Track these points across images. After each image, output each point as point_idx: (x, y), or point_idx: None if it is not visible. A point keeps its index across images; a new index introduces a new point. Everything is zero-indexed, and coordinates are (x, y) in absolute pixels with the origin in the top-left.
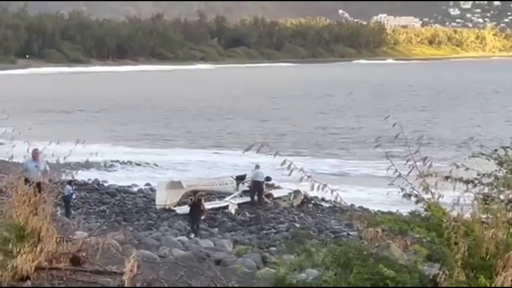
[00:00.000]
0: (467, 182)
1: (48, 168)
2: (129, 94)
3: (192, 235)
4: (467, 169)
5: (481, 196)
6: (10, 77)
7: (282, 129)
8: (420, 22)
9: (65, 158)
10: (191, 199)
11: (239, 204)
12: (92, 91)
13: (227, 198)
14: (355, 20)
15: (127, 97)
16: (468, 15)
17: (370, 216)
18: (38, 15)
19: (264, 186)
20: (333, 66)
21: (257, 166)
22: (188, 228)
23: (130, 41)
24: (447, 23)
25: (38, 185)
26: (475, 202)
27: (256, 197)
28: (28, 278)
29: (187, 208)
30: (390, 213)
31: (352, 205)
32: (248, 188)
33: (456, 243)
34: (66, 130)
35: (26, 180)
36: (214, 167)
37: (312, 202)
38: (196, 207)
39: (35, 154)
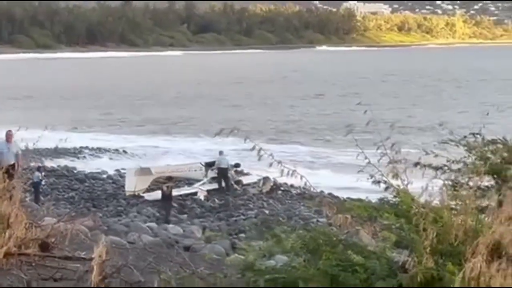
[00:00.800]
0: (436, 168)
1: (20, 151)
2: (99, 80)
3: (165, 223)
4: (436, 155)
5: (450, 183)
6: None
7: (252, 115)
8: (390, 9)
9: (34, 144)
10: (167, 186)
11: (208, 191)
12: (61, 77)
13: (196, 185)
14: (325, 7)
15: (96, 83)
16: (438, 2)
17: (340, 202)
18: (7, 1)
19: (233, 172)
20: (301, 52)
21: (221, 153)
22: (158, 214)
23: (100, 27)
24: (416, 10)
25: (13, 167)
26: (444, 189)
27: (223, 184)
28: None
29: (157, 194)
30: (359, 199)
31: (321, 191)
32: (217, 175)
33: (425, 230)
34: (34, 116)
35: None
36: (184, 153)
37: (282, 188)
38: (168, 194)
39: (9, 136)
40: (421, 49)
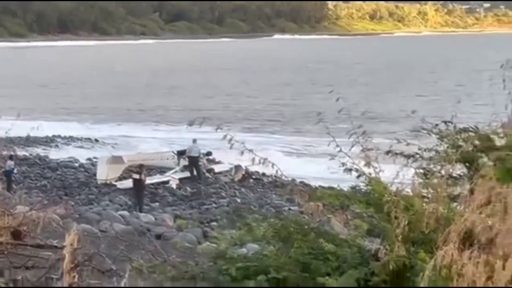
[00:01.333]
0: (408, 156)
1: None
2: (71, 69)
3: (137, 211)
4: (408, 144)
5: (421, 171)
6: None
7: (225, 103)
8: None
9: (6, 132)
10: (144, 174)
11: (180, 179)
12: (33, 66)
13: (168, 173)
14: None
15: (68, 72)
16: None
17: (311, 191)
18: None
19: (205, 161)
20: (266, 41)
21: (194, 141)
22: (129, 203)
23: (71, 16)
24: None
25: None
26: (416, 177)
27: (195, 172)
28: None
29: (129, 182)
30: (331, 188)
31: (293, 180)
32: (188, 163)
33: (396, 218)
34: (5, 105)
35: None
36: (157, 142)
37: (253, 177)
38: (141, 183)
39: None
40: (390, 37)
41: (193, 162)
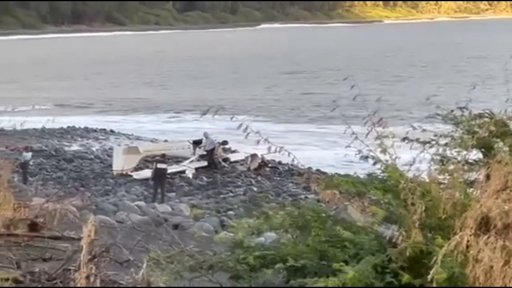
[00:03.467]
0: (423, 143)
1: None
2: (86, 60)
3: (156, 202)
4: (423, 130)
5: (437, 157)
6: None
7: (240, 93)
8: None
9: (21, 124)
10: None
11: (196, 169)
12: (47, 56)
13: (184, 163)
14: None
15: (82, 64)
16: None
17: (328, 178)
18: None
19: (220, 150)
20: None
21: (206, 135)
22: (146, 193)
23: (85, 6)
24: None
25: None
26: (432, 163)
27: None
28: None
29: (145, 172)
30: (347, 175)
31: (309, 167)
32: (205, 153)
33: (413, 204)
34: (21, 96)
35: None
36: (173, 132)
37: (269, 165)
38: (165, 172)
39: None
40: (405, 24)
41: (211, 155)
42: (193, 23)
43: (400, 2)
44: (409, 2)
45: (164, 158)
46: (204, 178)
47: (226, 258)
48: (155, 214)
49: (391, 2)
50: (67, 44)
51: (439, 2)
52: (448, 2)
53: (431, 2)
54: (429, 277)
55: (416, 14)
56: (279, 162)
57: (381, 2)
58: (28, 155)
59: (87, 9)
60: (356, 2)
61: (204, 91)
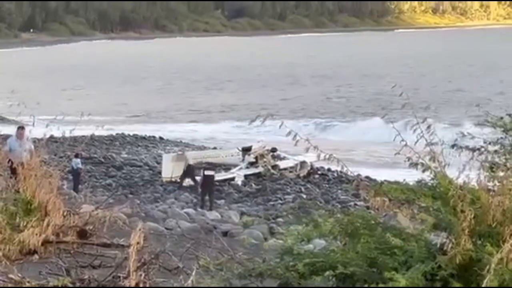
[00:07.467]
0: (473, 150)
1: (33, 147)
2: (132, 67)
3: (205, 209)
4: (473, 137)
5: (487, 164)
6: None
7: (289, 98)
8: None
9: (70, 132)
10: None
11: (245, 176)
12: (96, 63)
13: (233, 170)
14: None
15: (129, 71)
16: None
17: (377, 185)
18: None
19: (269, 157)
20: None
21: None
22: (195, 200)
23: (133, 13)
24: None
25: (22, 165)
26: (481, 170)
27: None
28: (35, 252)
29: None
30: (396, 182)
31: (358, 175)
32: (254, 160)
33: (462, 211)
34: (71, 104)
35: (10, 161)
36: (221, 139)
37: (319, 172)
38: (213, 179)
39: (20, 134)
40: (460, 31)
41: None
42: (242, 30)
43: (449, 9)
44: (458, 9)
45: (211, 165)
46: (253, 185)
47: (275, 265)
48: (205, 221)
49: (440, 9)
50: (117, 50)
51: (488, 9)
52: (497, 9)
53: (480, 8)
54: (483, 285)
55: (465, 21)
56: (328, 169)
57: (430, 8)
58: (78, 162)
59: (136, 16)
60: (405, 8)
61: (262, 97)
